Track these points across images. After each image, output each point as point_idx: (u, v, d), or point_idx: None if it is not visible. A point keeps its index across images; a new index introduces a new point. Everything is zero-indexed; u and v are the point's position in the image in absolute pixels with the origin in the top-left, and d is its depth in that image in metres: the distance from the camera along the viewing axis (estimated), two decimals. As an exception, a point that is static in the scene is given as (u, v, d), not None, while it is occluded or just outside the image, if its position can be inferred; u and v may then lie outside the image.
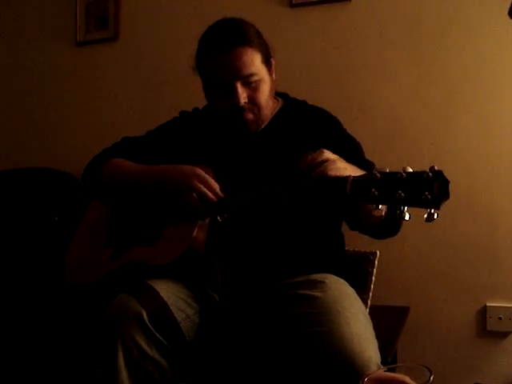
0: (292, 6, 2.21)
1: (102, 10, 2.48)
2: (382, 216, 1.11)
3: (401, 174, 1.02)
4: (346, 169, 1.15)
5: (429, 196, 0.97)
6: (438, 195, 0.97)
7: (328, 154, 1.17)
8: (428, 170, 0.99)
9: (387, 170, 1.05)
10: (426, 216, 0.98)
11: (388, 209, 1.08)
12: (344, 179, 1.09)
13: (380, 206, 1.04)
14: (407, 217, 1.01)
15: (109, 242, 1.49)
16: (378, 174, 1.04)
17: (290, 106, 1.56)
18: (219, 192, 1.32)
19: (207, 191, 1.31)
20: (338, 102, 1.98)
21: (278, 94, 1.58)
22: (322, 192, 1.14)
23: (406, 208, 1.01)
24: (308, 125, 1.50)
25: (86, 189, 1.58)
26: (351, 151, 1.42)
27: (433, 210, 0.97)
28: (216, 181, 1.36)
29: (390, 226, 1.30)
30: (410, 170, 1.02)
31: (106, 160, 1.52)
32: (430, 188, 0.97)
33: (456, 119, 2.02)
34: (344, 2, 2.14)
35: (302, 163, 1.18)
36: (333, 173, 1.13)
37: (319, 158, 1.16)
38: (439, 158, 2.01)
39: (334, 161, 1.16)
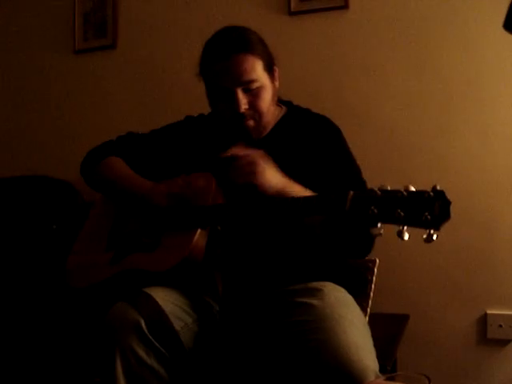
0: (291, 13, 2.21)
1: (101, 17, 2.48)
2: (380, 234, 1.08)
3: (402, 192, 1.00)
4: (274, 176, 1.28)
5: (429, 216, 0.95)
6: (438, 216, 0.95)
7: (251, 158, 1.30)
8: (430, 190, 0.98)
9: (388, 188, 1.04)
10: (425, 237, 0.96)
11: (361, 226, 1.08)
12: (344, 195, 1.08)
13: (379, 225, 1.02)
14: (406, 237, 0.99)
15: (109, 246, 1.50)
16: (378, 192, 1.03)
17: (293, 114, 1.57)
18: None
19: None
20: (336, 108, 1.97)
21: (282, 102, 1.59)
22: (321, 208, 1.13)
23: (405, 227, 0.99)
24: (309, 132, 1.50)
25: (82, 175, 1.65)
26: (340, 166, 1.43)
27: (432, 231, 0.96)
28: (218, 188, 1.36)
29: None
30: (412, 189, 1.01)
31: (105, 155, 1.59)
32: (430, 208, 0.95)
33: (454, 127, 2.02)
34: (342, 9, 2.14)
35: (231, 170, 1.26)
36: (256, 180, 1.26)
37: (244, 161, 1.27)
38: (438, 166, 2.02)
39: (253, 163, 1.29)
